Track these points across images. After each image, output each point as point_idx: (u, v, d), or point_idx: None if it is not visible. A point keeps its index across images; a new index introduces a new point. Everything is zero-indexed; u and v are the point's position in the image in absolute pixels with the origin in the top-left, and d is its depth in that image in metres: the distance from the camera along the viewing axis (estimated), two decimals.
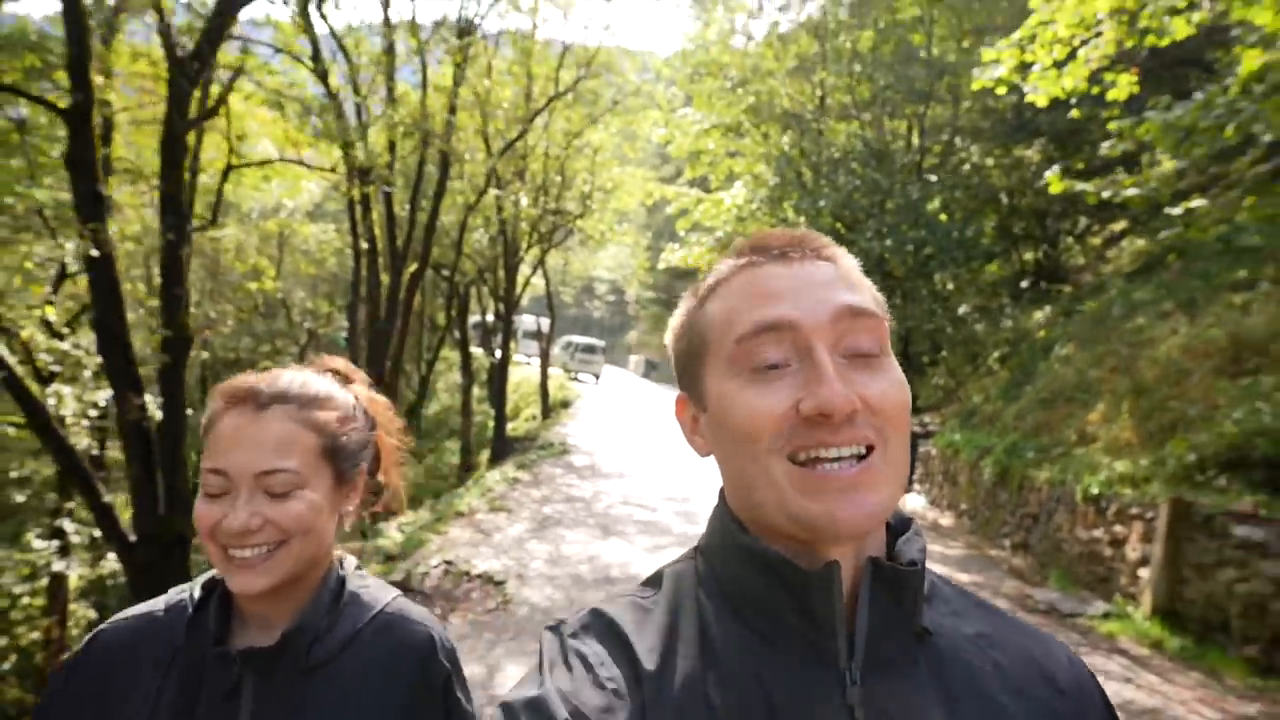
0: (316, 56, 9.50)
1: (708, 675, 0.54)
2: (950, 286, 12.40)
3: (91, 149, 5.56)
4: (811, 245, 0.61)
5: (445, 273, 15.96)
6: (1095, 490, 6.13)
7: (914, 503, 10.40)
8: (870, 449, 0.54)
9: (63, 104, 5.55)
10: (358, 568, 0.98)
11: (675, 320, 0.67)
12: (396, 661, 0.88)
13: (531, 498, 8.67)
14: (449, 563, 5.71)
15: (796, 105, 15.55)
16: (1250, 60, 4.49)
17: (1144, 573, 5.32)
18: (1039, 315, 12.97)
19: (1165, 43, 4.78)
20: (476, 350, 21.85)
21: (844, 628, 0.54)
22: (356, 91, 9.72)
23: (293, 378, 0.90)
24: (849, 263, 0.63)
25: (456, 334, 18.86)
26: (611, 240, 20.39)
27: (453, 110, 9.80)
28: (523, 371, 25.90)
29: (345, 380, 0.97)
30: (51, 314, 6.99)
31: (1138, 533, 5.49)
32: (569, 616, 0.62)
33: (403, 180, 9.95)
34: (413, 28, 10.26)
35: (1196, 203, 5.32)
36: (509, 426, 17.34)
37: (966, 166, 14.08)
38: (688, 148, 17.74)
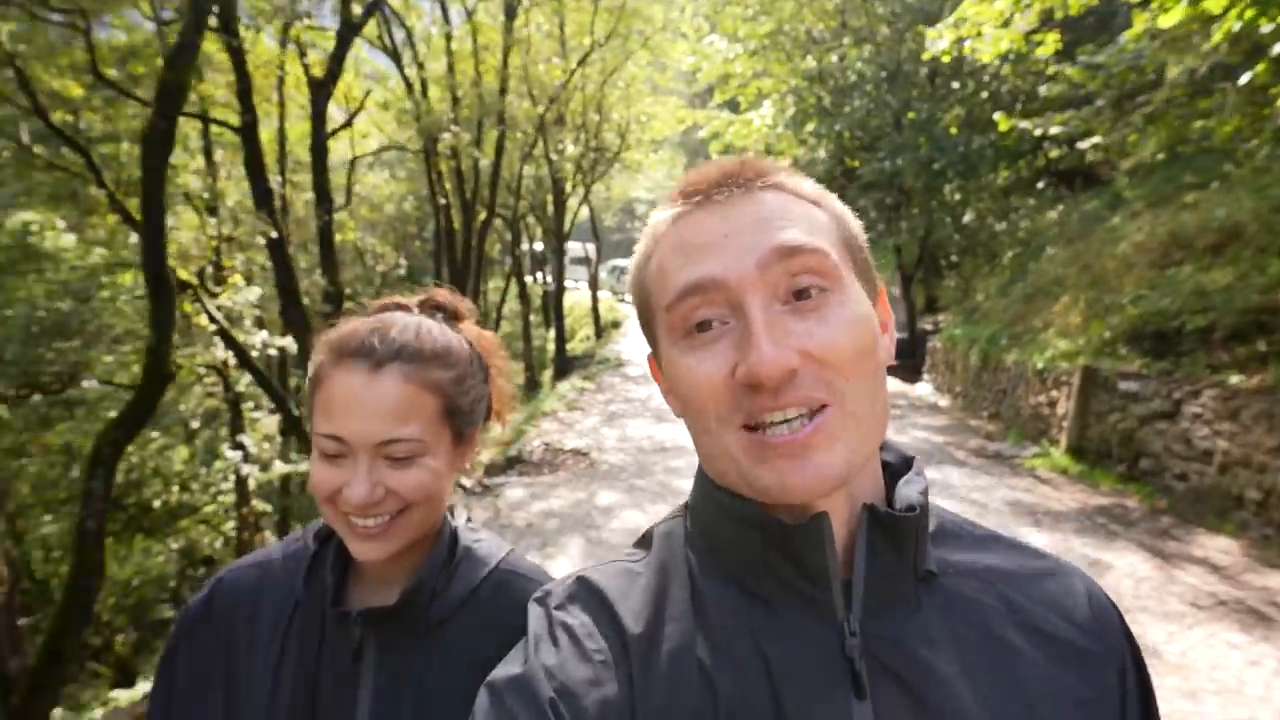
0: (386, 35, 11.10)
1: (698, 638, 0.53)
2: (958, 197, 13.56)
3: (260, 156, 7.51)
4: (743, 178, 0.55)
5: (501, 212, 17.79)
6: (1040, 365, 7.80)
7: (921, 390, 12.15)
8: (824, 405, 0.50)
9: (235, 122, 7.48)
10: (469, 519, 0.95)
11: (629, 278, 0.63)
12: (514, 619, 0.77)
13: (598, 400, 10.76)
14: (546, 444, 7.83)
15: (816, 28, 16.37)
16: (1139, 21, 5.84)
17: (1066, 423, 7.07)
18: (1053, 215, 14.08)
19: (1075, 10, 6.11)
20: (530, 279, 23.89)
21: (839, 578, 0.52)
22: (416, 59, 11.33)
23: (405, 327, 0.83)
24: (795, 185, 0.57)
25: (509, 265, 20.85)
26: (649, 166, 21.83)
27: (504, 78, 11.34)
28: (574, 296, 27.87)
29: (454, 317, 0.91)
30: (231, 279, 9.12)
31: (1064, 394, 7.19)
32: (554, 586, 0.60)
33: (465, 136, 11.64)
34: None
35: (1098, 139, 6.67)
36: (567, 346, 19.50)
37: (985, 76, 14.84)
38: (716, 73, 18.77)
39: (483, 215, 12.36)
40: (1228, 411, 5.21)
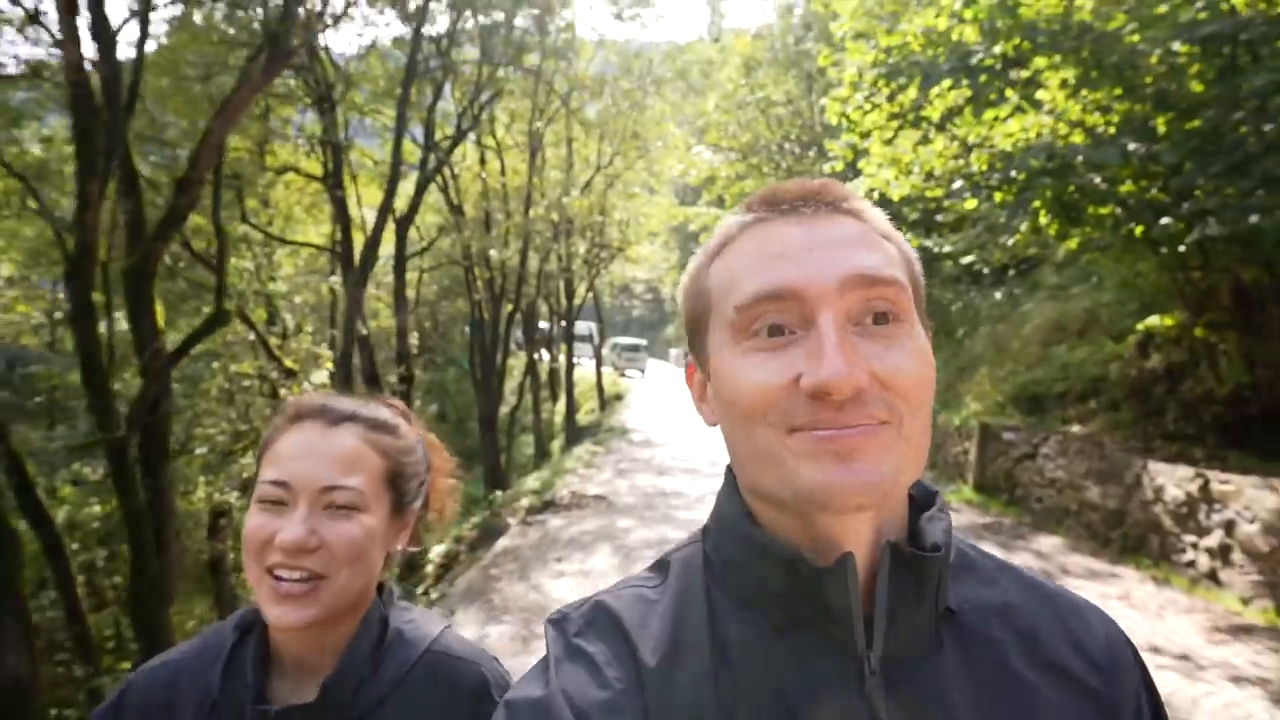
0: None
1: (719, 671, 0.53)
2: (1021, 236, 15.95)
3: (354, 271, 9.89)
4: (829, 197, 0.56)
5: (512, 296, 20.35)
6: (958, 423, 10.00)
7: None
8: (883, 424, 0.50)
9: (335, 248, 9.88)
10: (401, 597, 0.94)
11: (684, 279, 0.63)
12: (449, 704, 0.83)
13: (609, 460, 12.86)
14: (572, 492, 9.91)
15: (787, 140, 19.34)
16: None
17: (971, 466, 9.22)
18: (997, 296, 16.57)
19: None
20: (538, 356, 26.26)
21: (860, 616, 0.51)
22: (457, 187, 13.97)
23: (362, 403, 0.90)
24: (873, 216, 0.57)
25: (517, 343, 23.23)
26: (646, 256, 24.61)
27: (527, 199, 14.00)
28: (579, 371, 30.24)
29: (405, 420, 0.95)
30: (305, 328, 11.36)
31: (971, 443, 9.36)
32: (572, 611, 0.60)
33: (508, 251, 14.16)
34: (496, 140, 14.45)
35: (971, 257, 9.08)
36: (575, 417, 21.66)
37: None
38: (702, 176, 21.76)
39: (509, 308, 14.79)
40: (1062, 451, 7.39)
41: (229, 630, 0.86)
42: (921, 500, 0.60)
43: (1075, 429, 7.60)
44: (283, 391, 10.36)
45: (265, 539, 0.78)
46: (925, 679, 0.52)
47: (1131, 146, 4.56)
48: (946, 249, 9.13)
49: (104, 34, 4.52)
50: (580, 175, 16.50)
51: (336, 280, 11.62)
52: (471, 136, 12.23)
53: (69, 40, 3.92)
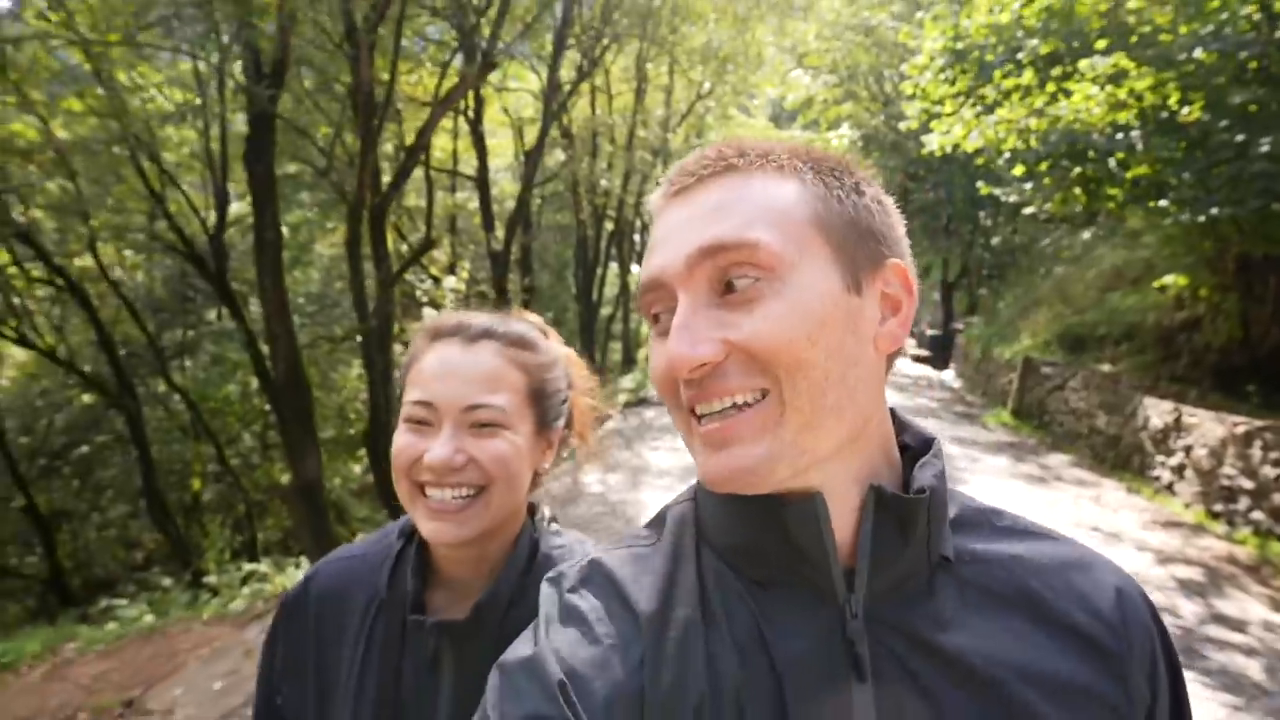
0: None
1: (703, 623, 0.53)
2: (989, 223, 16.61)
3: (489, 197, 11.74)
4: (701, 168, 0.54)
5: (611, 213, 21.94)
6: (1008, 356, 11.14)
7: (945, 375, 15.43)
8: (762, 398, 0.50)
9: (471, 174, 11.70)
10: (552, 520, 0.95)
11: None
12: None
13: None
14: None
15: (887, 70, 19.49)
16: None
17: (1012, 393, 10.46)
18: (1085, 236, 16.92)
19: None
20: (633, 268, 27.99)
21: (839, 560, 0.52)
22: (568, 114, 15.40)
23: (500, 318, 0.90)
24: (758, 167, 0.54)
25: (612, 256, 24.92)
26: None
27: (632, 127, 15.30)
28: None
29: (544, 336, 0.94)
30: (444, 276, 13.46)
31: (1015, 374, 10.57)
32: (568, 569, 0.61)
33: (616, 181, 15.66)
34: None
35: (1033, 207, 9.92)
36: None
37: None
38: (799, 100, 22.18)
39: (610, 226, 16.43)
40: (1086, 384, 8.60)
41: (395, 535, 0.90)
42: (919, 448, 0.60)
43: (1106, 368, 8.74)
44: (421, 295, 12.46)
45: (414, 458, 0.80)
46: (914, 625, 0.52)
47: (1135, 134, 5.66)
48: (1013, 198, 10.02)
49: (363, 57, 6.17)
50: (679, 103, 17.54)
51: (471, 200, 13.58)
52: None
53: (364, 63, 5.59)
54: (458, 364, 0.82)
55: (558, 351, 0.94)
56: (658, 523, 0.63)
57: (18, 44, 5.79)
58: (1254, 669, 3.59)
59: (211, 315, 17.03)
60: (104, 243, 9.62)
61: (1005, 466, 7.79)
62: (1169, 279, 7.36)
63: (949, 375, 15.31)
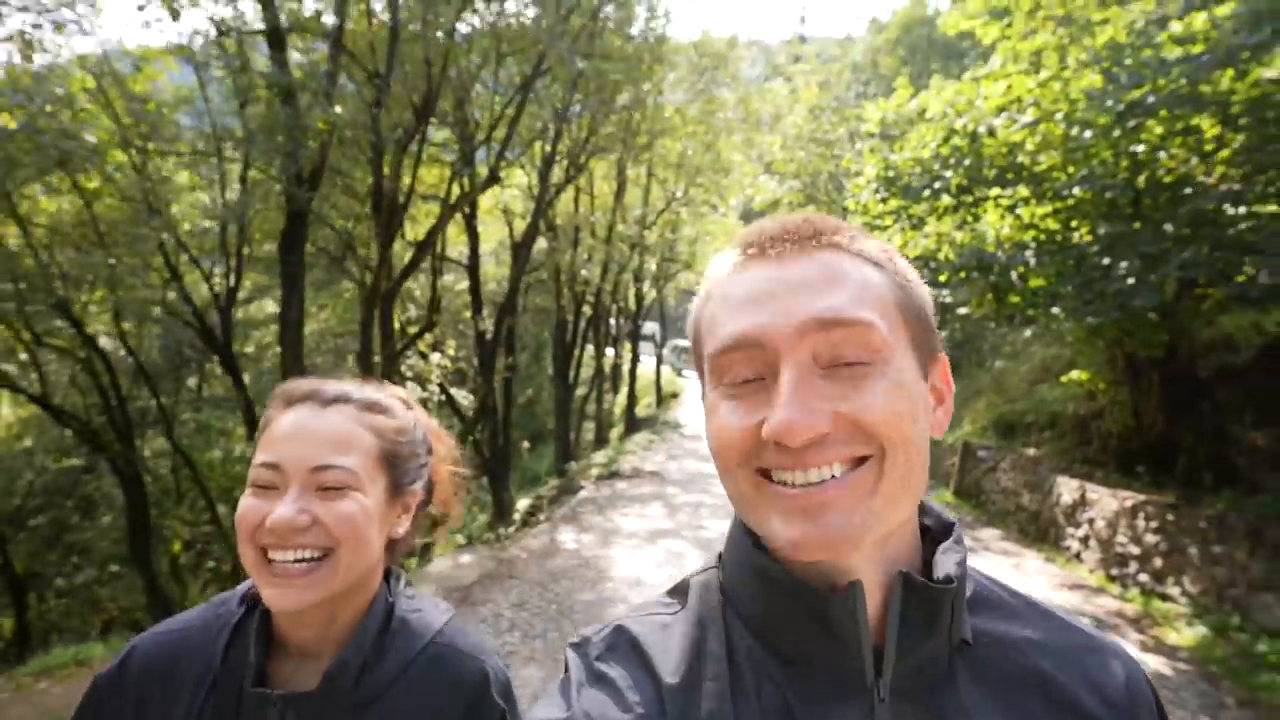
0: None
1: (735, 700, 0.53)
2: (937, 319, 17.99)
3: (479, 283, 12.71)
4: (803, 235, 0.56)
5: (589, 300, 23.18)
6: (950, 441, 12.16)
7: None
8: (863, 460, 0.51)
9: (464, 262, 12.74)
10: (408, 584, 0.93)
11: (689, 315, 0.63)
12: (448, 699, 0.82)
13: (663, 447, 15.46)
14: (633, 467, 12.55)
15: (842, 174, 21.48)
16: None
17: (953, 475, 11.41)
18: (1027, 334, 18.45)
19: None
20: (608, 352, 29.11)
21: (870, 646, 0.52)
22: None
23: (356, 384, 0.89)
24: (859, 247, 0.56)
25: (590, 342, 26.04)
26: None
27: (611, 225, 16.68)
28: (640, 368, 33.01)
29: (404, 405, 0.95)
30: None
31: (957, 458, 11.55)
32: (592, 634, 0.61)
33: (595, 270, 16.87)
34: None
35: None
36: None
37: None
38: (768, 201, 24.09)
39: (589, 312, 17.54)
40: (1014, 466, 9.58)
41: (234, 603, 0.86)
42: (938, 531, 0.61)
43: (1031, 451, 9.76)
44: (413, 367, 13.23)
45: (257, 522, 0.77)
46: (935, 710, 0.53)
47: (1029, 253, 6.86)
48: (949, 299, 11.29)
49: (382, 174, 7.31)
50: (656, 202, 19.10)
51: (458, 282, 14.60)
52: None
53: (392, 175, 6.66)
54: (308, 426, 0.81)
55: (416, 419, 0.94)
56: (680, 592, 0.63)
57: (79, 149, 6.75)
58: None
59: (191, 383, 17.55)
60: (124, 319, 10.33)
61: None
62: (1074, 374, 8.49)
63: None
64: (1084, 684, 0.57)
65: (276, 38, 6.00)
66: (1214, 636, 5.14)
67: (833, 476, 0.50)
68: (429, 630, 0.87)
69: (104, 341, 10.77)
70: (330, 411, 0.84)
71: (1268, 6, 5.40)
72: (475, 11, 7.36)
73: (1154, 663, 4.88)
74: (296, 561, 0.77)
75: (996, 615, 0.60)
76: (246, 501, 0.79)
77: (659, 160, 17.19)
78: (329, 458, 0.80)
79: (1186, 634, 5.33)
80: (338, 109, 6.04)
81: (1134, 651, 5.10)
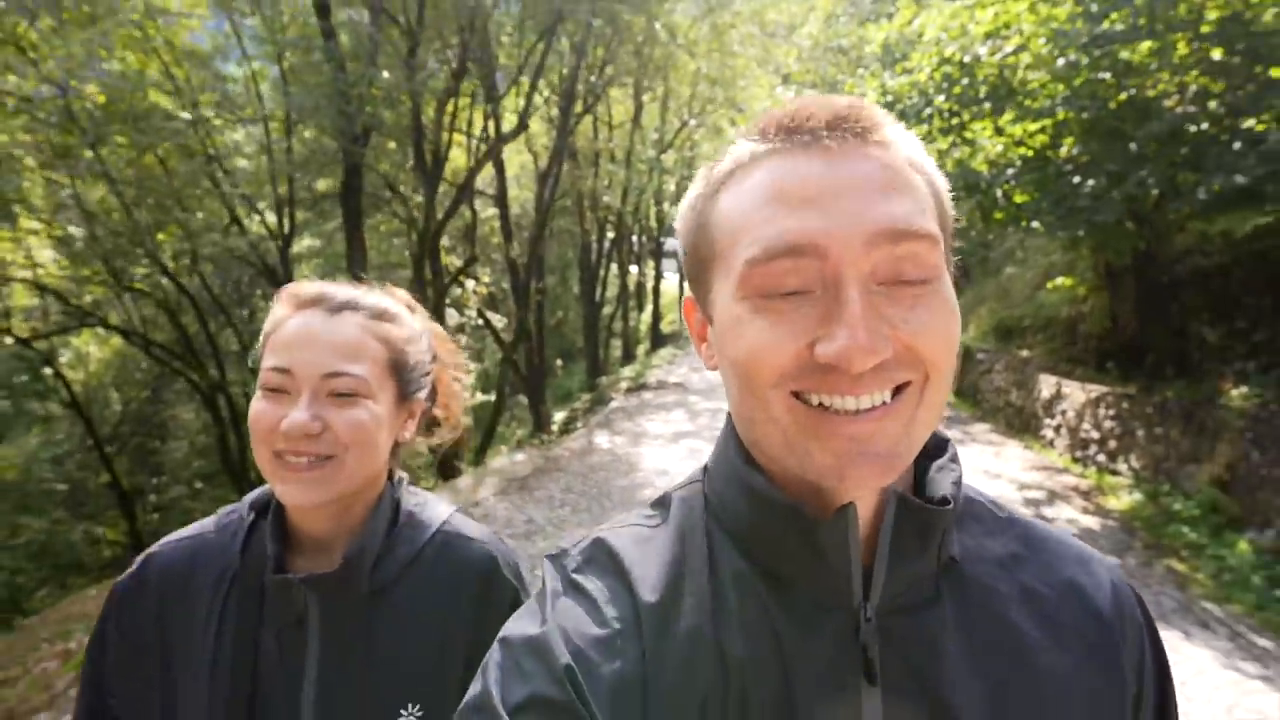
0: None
1: (714, 615, 0.53)
2: (963, 224, 18.44)
3: (508, 213, 13.54)
4: (859, 125, 0.50)
5: (611, 219, 23.82)
6: None
7: None
8: (903, 386, 0.48)
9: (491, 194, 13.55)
10: (410, 483, 0.97)
11: (684, 206, 0.59)
12: (459, 580, 0.87)
13: (686, 361, 16.55)
14: (658, 379, 13.67)
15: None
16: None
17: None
18: (1037, 241, 18.83)
19: None
20: (631, 270, 29.87)
21: (860, 567, 0.52)
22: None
23: (363, 290, 0.91)
24: (906, 148, 0.52)
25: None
26: None
27: (631, 145, 17.17)
28: (664, 284, 33.78)
29: (409, 310, 0.96)
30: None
31: (958, 360, 12.43)
32: (570, 545, 0.60)
33: (617, 194, 17.50)
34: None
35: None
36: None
37: None
38: None
39: (611, 234, 18.30)
40: (1006, 367, 10.46)
41: (245, 509, 0.90)
42: (933, 447, 0.59)
43: (1024, 353, 10.61)
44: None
45: (271, 425, 0.80)
46: (921, 628, 0.53)
47: (1011, 171, 7.55)
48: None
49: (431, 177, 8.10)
50: (673, 121, 19.42)
51: (484, 210, 15.45)
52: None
53: (435, 130, 7.41)
54: (319, 332, 0.83)
55: (422, 326, 0.97)
56: (663, 504, 0.62)
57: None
58: None
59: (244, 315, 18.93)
60: (199, 263, 11.48)
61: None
62: (1059, 280, 9.23)
63: None
64: (1069, 595, 0.57)
65: (324, 7, 6.72)
66: (1146, 501, 6.16)
67: (883, 403, 0.48)
68: (436, 520, 0.93)
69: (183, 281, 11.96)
70: (340, 319, 0.85)
71: None
72: None
73: (1090, 522, 5.94)
74: (309, 463, 0.81)
75: (982, 530, 0.60)
76: (259, 405, 0.82)
77: (675, 78, 17.42)
78: (340, 364, 0.82)
79: (1125, 500, 6.36)
80: (385, 74, 6.81)
81: (1075, 514, 6.16)
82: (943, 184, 0.54)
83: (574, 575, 0.57)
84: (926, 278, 0.49)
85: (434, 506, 0.95)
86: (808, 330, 0.47)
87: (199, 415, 17.25)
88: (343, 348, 0.83)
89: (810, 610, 0.53)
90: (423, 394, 0.94)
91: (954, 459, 0.58)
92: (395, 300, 0.94)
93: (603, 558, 0.58)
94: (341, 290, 0.89)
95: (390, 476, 0.94)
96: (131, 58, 8.95)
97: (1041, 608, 0.56)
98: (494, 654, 0.53)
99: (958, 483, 0.56)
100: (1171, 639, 3.82)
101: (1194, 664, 3.56)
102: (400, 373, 0.89)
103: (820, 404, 0.48)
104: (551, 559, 0.59)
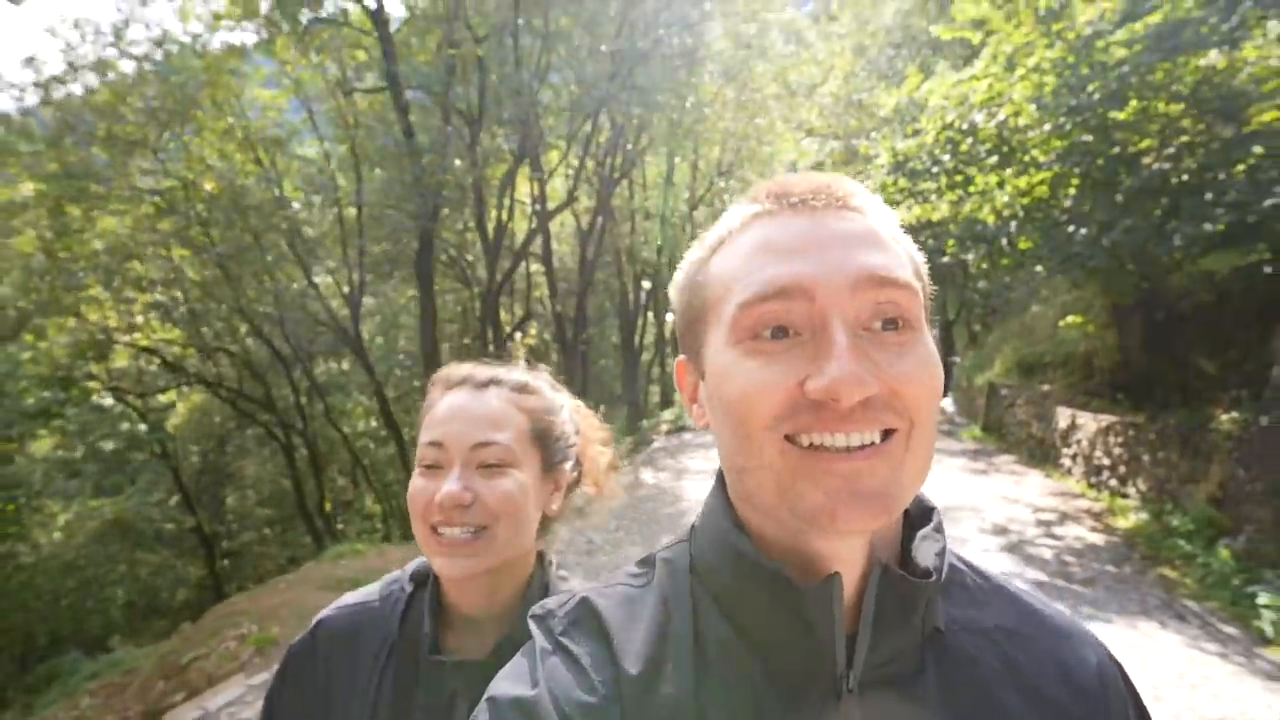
0: None
1: (698, 685, 0.53)
2: (975, 270, 19.06)
3: (554, 276, 14.68)
4: (838, 192, 0.54)
5: (648, 270, 24.98)
6: (979, 382, 13.54)
7: (945, 402, 17.72)
8: (890, 432, 0.49)
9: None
10: (559, 568, 0.99)
11: (679, 273, 0.61)
12: None
13: None
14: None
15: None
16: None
17: (980, 412, 12.85)
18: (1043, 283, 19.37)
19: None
20: (668, 318, 30.92)
21: (844, 636, 0.51)
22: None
23: (507, 367, 0.97)
24: (882, 215, 0.56)
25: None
26: None
27: (666, 204, 18.34)
28: None
29: (551, 386, 1.00)
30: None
31: (984, 396, 12.96)
32: (556, 607, 0.61)
33: (654, 249, 18.65)
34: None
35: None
36: None
37: None
38: (811, 164, 25.17)
39: (648, 285, 19.40)
40: (1028, 401, 11.01)
41: (406, 579, 0.96)
42: (917, 515, 0.59)
43: (1045, 387, 11.15)
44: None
45: (427, 499, 0.86)
46: (904, 700, 0.52)
47: (1013, 223, 8.33)
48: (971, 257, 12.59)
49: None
50: (704, 177, 20.63)
51: (532, 267, 16.66)
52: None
53: (499, 204, 8.55)
54: (467, 407, 0.90)
55: (564, 400, 1.01)
56: (649, 563, 0.63)
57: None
58: (1048, 554, 6.06)
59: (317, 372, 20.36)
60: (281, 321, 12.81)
61: (962, 464, 10.25)
62: (1070, 319, 9.87)
63: (946, 401, 17.64)
64: (1053, 670, 0.57)
65: (403, 107, 7.96)
66: (1151, 520, 6.70)
67: (873, 442, 0.49)
68: None
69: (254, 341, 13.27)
70: (486, 393, 0.92)
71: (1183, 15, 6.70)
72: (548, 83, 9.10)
73: (1095, 539, 6.51)
74: (462, 535, 0.86)
75: (968, 599, 0.60)
76: (416, 482, 0.89)
77: (704, 139, 18.69)
78: (486, 434, 0.88)
79: (1131, 520, 6.90)
80: (457, 161, 7.99)
81: (1084, 532, 6.73)
82: (917, 254, 0.58)
83: (560, 638, 0.57)
84: (910, 325, 0.51)
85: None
86: (798, 370, 0.49)
87: (264, 465, 18.57)
88: (488, 419, 0.89)
89: (794, 680, 0.53)
90: (568, 465, 0.98)
91: (938, 529, 0.58)
92: (536, 376, 1.00)
93: (587, 620, 0.58)
94: (486, 369, 0.97)
95: (541, 560, 0.98)
96: (233, 150, 10.37)
97: (1026, 681, 0.56)
98: (482, 713, 0.54)
99: (941, 554, 0.57)
100: (1148, 627, 4.42)
101: (1161, 644, 4.17)
102: (544, 442, 0.94)
103: (811, 444, 0.49)
104: (537, 620, 0.60)
